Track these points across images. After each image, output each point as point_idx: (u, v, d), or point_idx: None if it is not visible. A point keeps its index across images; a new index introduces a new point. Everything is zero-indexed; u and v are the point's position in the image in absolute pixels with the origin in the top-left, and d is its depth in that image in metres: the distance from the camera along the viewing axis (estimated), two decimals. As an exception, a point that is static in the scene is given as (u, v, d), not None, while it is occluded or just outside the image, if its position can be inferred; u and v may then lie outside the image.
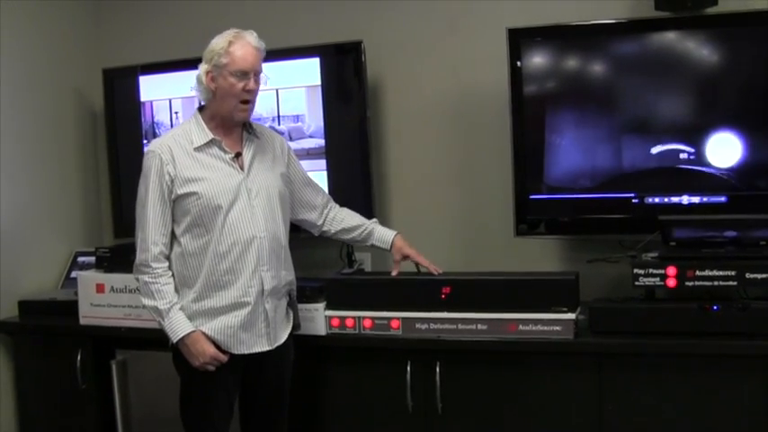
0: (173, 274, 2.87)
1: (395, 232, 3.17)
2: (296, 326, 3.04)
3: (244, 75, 2.81)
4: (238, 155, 2.89)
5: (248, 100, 2.84)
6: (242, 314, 2.84)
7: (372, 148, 3.59)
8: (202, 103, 2.94)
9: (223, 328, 2.83)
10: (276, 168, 2.97)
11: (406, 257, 3.15)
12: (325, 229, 3.16)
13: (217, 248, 2.81)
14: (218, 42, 2.83)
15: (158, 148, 2.85)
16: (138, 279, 2.89)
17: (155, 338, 3.26)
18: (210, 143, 2.86)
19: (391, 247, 3.15)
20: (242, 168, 2.88)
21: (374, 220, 3.22)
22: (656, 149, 3.18)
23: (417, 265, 3.18)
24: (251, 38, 2.85)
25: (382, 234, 3.16)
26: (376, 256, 3.67)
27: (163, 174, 2.82)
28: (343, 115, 3.60)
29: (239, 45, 2.82)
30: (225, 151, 2.86)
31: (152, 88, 3.88)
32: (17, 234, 3.78)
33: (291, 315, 3.03)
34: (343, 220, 3.17)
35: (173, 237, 2.88)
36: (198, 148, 2.85)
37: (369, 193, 3.53)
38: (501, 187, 3.44)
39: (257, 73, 2.84)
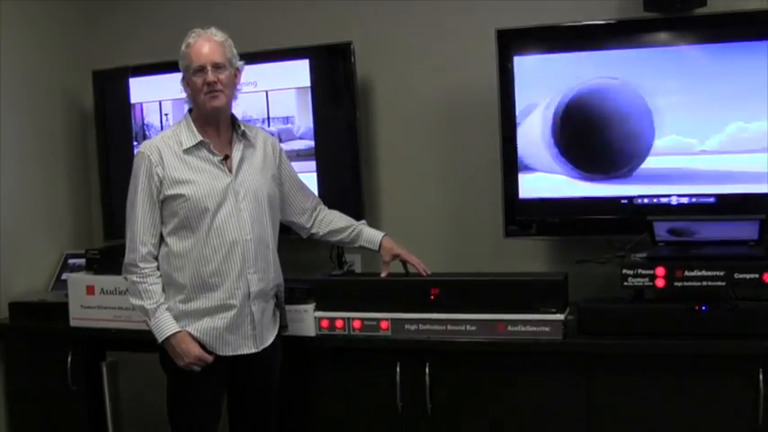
0: (161, 275, 2.87)
1: (383, 233, 3.16)
2: (283, 327, 3.04)
3: (201, 70, 2.82)
4: (227, 157, 2.89)
5: (213, 90, 2.82)
6: (228, 316, 2.84)
7: (362, 149, 3.59)
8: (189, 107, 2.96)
9: (208, 330, 2.84)
10: (266, 170, 2.97)
11: (395, 257, 3.14)
12: (313, 231, 3.16)
13: (202, 250, 2.82)
14: (181, 48, 2.88)
15: (148, 150, 2.86)
16: (126, 279, 2.90)
17: (145, 340, 3.24)
18: (199, 145, 2.86)
19: (380, 247, 3.14)
20: (230, 171, 2.88)
21: (363, 221, 3.22)
22: (645, 149, 3.18)
23: (405, 264, 3.17)
24: (204, 32, 2.87)
25: (370, 235, 3.16)
26: (366, 257, 3.67)
27: (152, 175, 2.83)
28: (333, 117, 3.60)
29: (192, 43, 2.85)
30: (213, 153, 2.87)
31: (142, 90, 3.87)
32: (7, 236, 3.77)
33: (278, 316, 3.03)
34: (331, 221, 3.16)
35: (161, 237, 2.88)
36: (187, 150, 2.85)
37: (358, 194, 3.53)
38: (490, 188, 3.44)
39: (217, 65, 2.83)
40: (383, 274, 3.16)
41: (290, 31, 3.77)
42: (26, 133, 3.90)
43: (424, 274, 3.14)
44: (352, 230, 3.16)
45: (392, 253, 3.14)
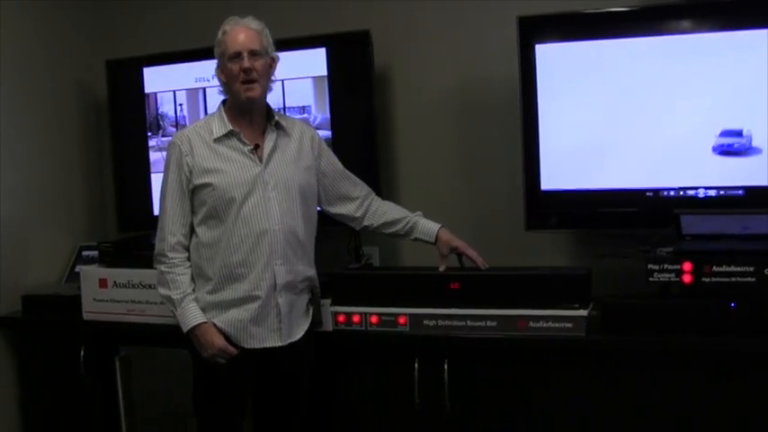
0: (190, 265, 2.86)
1: (439, 225, 3.09)
2: (315, 323, 3.02)
3: (237, 56, 2.81)
4: (257, 147, 2.86)
5: (249, 79, 2.80)
6: (252, 308, 2.81)
7: (380, 139, 3.54)
8: (224, 97, 2.94)
9: (234, 321, 2.82)
10: (301, 162, 2.93)
11: (453, 250, 3.07)
12: (366, 223, 3.11)
13: (230, 240, 2.80)
14: (217, 35, 2.86)
15: (178, 140, 2.87)
16: (156, 268, 2.89)
17: (158, 334, 3.29)
18: (230, 134, 2.85)
19: (436, 240, 3.07)
20: (260, 160, 2.85)
21: (418, 213, 3.13)
22: (671, 140, 3.10)
23: (461, 258, 3.10)
24: (241, 19, 2.86)
25: (426, 227, 3.08)
26: (384, 250, 3.63)
27: (182, 164, 2.83)
28: (350, 106, 3.55)
29: (229, 30, 2.85)
30: (243, 143, 2.85)
31: (156, 80, 3.84)
32: (21, 228, 3.76)
33: (311, 312, 3.00)
34: (385, 213, 3.11)
35: (192, 228, 2.88)
36: (217, 140, 2.85)
37: (376, 185, 3.42)
38: (511, 180, 3.39)
39: (253, 52, 2.81)
40: (441, 269, 3.08)
41: (306, 19, 3.72)
42: (39, 124, 3.87)
43: (482, 267, 3.06)
44: (407, 222, 3.10)
45: (450, 246, 3.06)
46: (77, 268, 3.79)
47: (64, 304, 3.60)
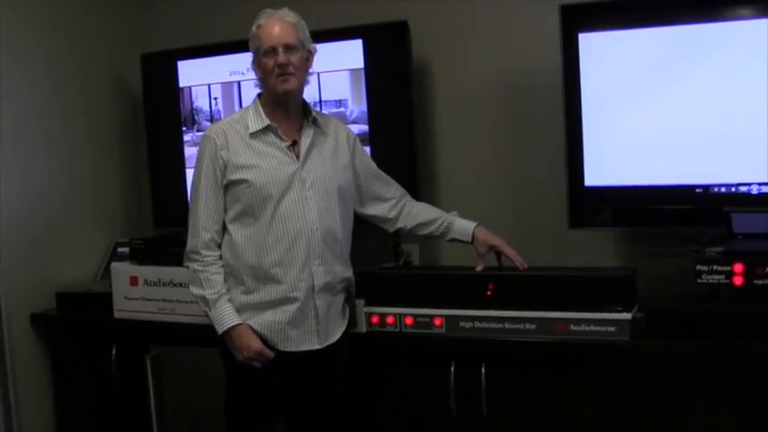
0: (224, 264, 2.80)
1: (475, 223, 3.01)
2: (351, 323, 2.96)
3: (272, 51, 2.74)
4: (294, 143, 2.80)
5: (285, 73, 2.73)
6: (291, 310, 2.75)
7: (418, 133, 3.46)
8: (260, 91, 2.89)
9: (271, 324, 2.75)
10: (337, 160, 2.87)
11: (491, 249, 2.99)
12: (400, 224, 3.05)
13: (265, 239, 2.73)
14: (251, 29, 2.80)
15: (213, 133, 2.81)
16: (187, 267, 2.82)
17: (189, 334, 3.25)
18: (266, 129, 2.79)
19: (473, 239, 2.99)
20: (297, 157, 2.79)
21: (454, 212, 3.06)
22: (723, 134, 2.95)
23: (499, 257, 3.01)
24: (276, 12, 2.79)
25: (462, 226, 3.00)
26: (424, 248, 3.54)
27: (216, 159, 2.76)
28: (388, 99, 3.47)
29: (264, 23, 2.78)
30: (281, 139, 2.79)
31: (191, 73, 3.80)
32: (57, 224, 3.76)
33: (347, 312, 2.94)
34: (419, 214, 3.04)
35: (224, 225, 2.81)
36: (253, 135, 2.78)
37: (414, 180, 3.37)
38: (554, 175, 3.26)
39: (289, 46, 2.74)
40: (478, 269, 3.00)
41: (342, 9, 3.63)
42: (74, 118, 3.86)
43: (521, 268, 2.97)
44: (442, 222, 3.02)
45: (488, 244, 2.98)
46: (112, 265, 3.75)
47: (97, 302, 3.58)
